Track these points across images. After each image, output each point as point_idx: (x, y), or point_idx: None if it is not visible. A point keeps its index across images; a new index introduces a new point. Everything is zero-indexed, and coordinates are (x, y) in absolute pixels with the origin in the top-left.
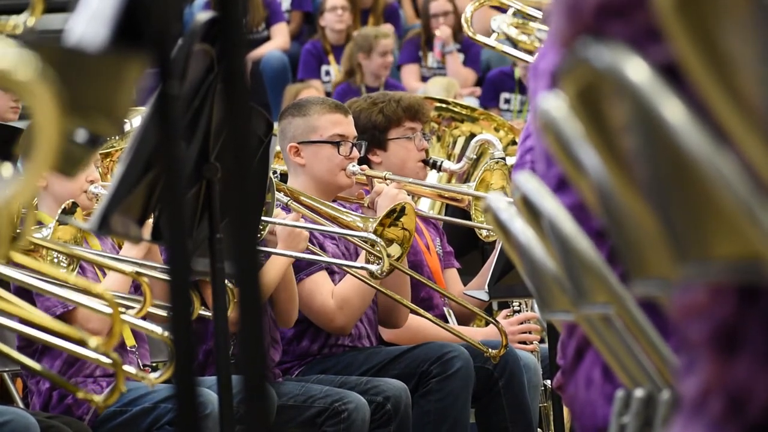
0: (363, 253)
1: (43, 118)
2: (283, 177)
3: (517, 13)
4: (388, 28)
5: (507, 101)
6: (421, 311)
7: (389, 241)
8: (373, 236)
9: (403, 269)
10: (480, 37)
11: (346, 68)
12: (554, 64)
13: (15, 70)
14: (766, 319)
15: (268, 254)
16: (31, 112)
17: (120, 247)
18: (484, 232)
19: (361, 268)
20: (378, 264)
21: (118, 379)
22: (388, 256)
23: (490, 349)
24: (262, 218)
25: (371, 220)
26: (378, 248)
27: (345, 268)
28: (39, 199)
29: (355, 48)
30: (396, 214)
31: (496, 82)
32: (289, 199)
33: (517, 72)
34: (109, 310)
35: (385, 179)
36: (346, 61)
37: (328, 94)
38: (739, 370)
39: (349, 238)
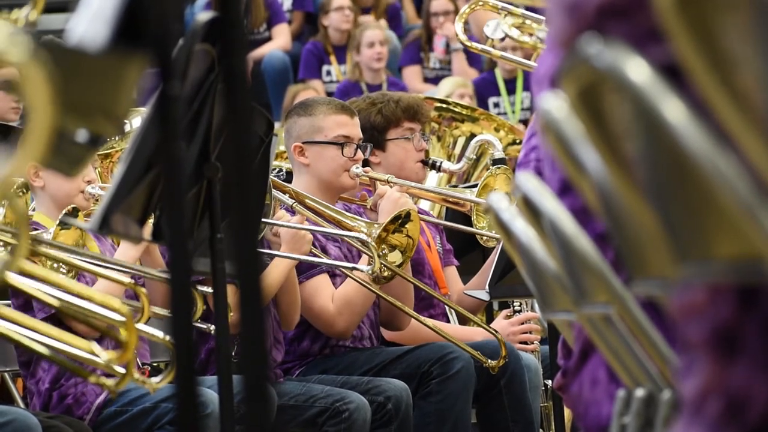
0: (365, 257)
1: (36, 99)
2: (289, 175)
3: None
4: (381, 23)
5: (496, 105)
6: (422, 318)
7: (392, 247)
8: (363, 236)
9: (405, 276)
10: (482, 46)
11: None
12: (553, 67)
13: (8, 50)
14: (766, 323)
15: (270, 257)
16: (23, 94)
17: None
18: (484, 237)
19: (353, 268)
20: (370, 265)
21: (129, 366)
22: (379, 256)
23: (489, 360)
24: (265, 220)
25: (376, 225)
26: (369, 249)
27: (340, 269)
28: (36, 199)
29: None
30: (401, 220)
31: (481, 90)
32: (294, 201)
33: (498, 74)
34: (122, 319)
35: (388, 182)
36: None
37: (329, 94)
38: (737, 374)
39: (344, 238)
